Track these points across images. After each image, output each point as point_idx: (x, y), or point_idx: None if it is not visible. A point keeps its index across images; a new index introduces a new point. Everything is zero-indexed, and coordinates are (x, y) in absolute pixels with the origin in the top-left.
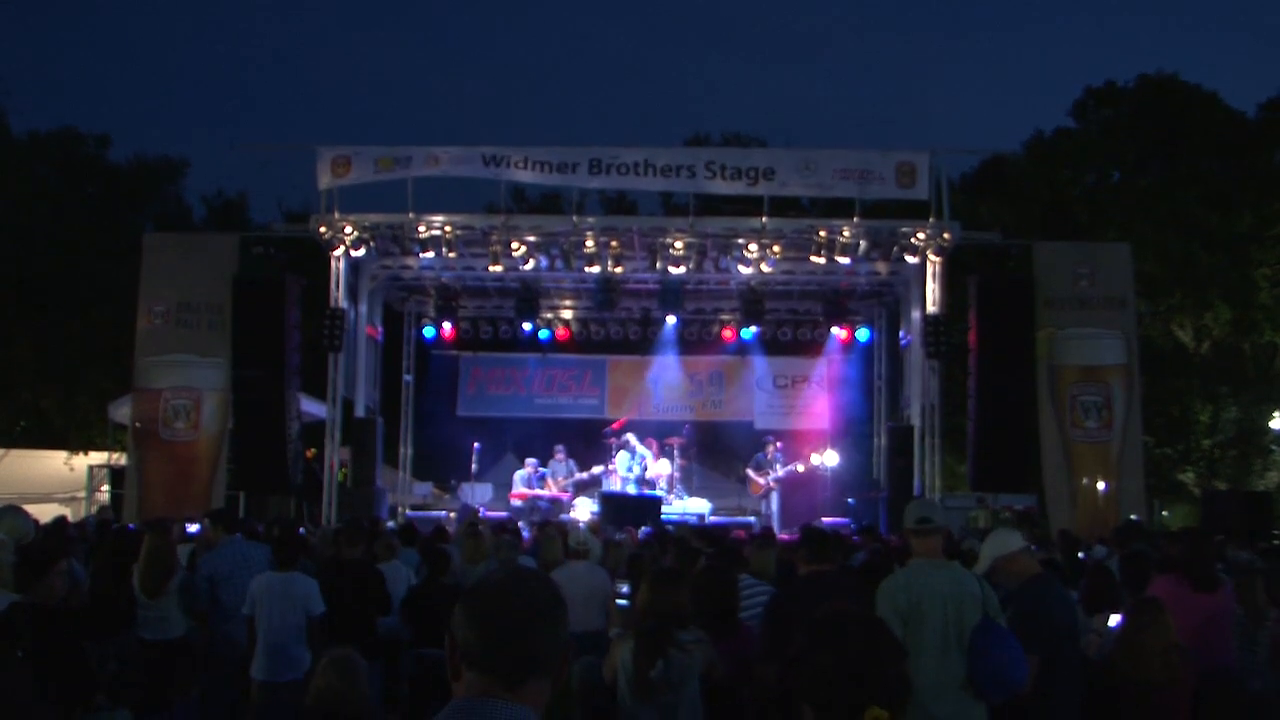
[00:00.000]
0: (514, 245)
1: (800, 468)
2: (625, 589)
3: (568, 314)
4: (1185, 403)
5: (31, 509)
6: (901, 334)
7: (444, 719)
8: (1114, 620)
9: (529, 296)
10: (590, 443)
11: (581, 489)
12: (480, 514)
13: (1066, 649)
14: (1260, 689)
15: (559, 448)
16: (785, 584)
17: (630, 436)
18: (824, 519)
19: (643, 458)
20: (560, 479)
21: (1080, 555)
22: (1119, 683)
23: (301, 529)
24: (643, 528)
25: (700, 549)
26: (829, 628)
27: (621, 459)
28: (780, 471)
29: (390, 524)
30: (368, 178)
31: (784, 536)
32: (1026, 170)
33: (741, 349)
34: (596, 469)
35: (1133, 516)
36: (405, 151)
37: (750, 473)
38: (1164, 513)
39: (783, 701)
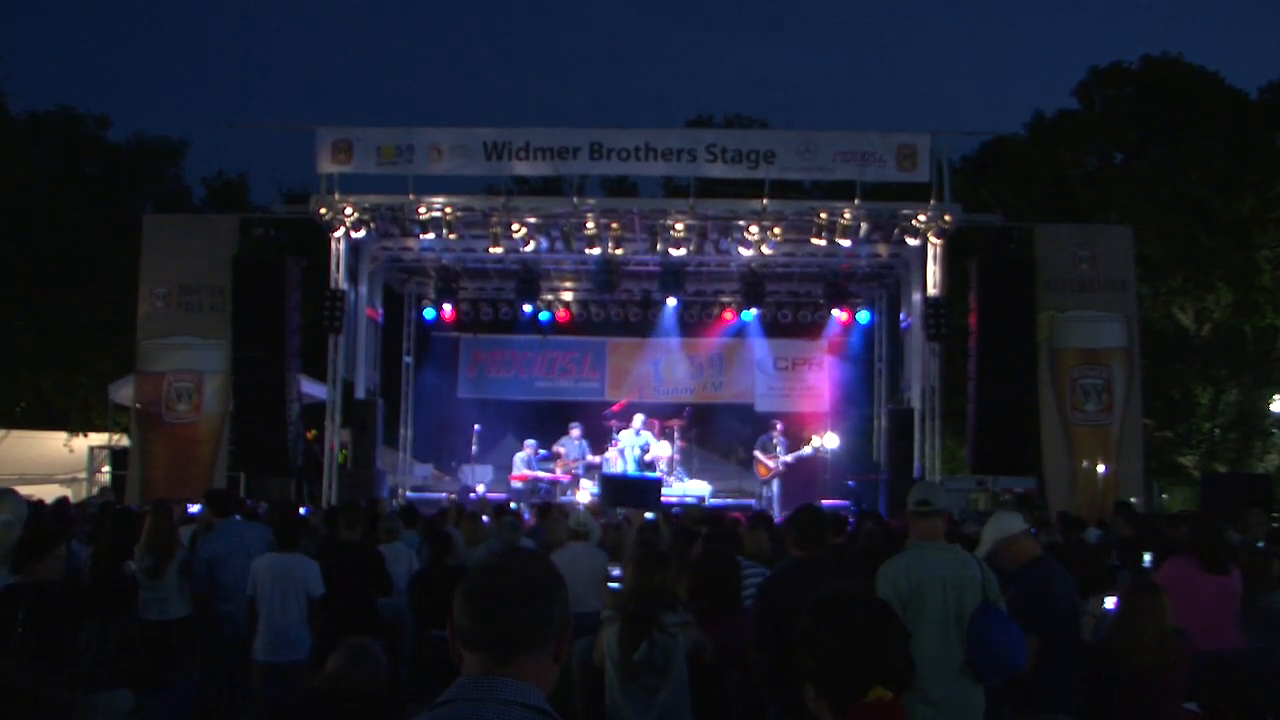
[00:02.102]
0: (514, 227)
1: (806, 449)
2: (616, 571)
3: (568, 296)
4: (1186, 386)
5: (32, 490)
6: (902, 316)
7: (448, 697)
8: (1109, 603)
9: (529, 278)
10: (590, 425)
11: (589, 470)
12: (474, 496)
13: (1066, 631)
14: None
15: (574, 425)
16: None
17: (638, 418)
18: (823, 501)
19: (646, 442)
20: (572, 459)
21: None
22: (1114, 666)
23: (304, 508)
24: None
25: (697, 531)
26: (833, 608)
27: (626, 436)
28: (788, 456)
29: (394, 504)
30: (369, 169)
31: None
32: (1028, 152)
33: (742, 331)
34: (610, 453)
35: (1131, 499)
36: (406, 137)
37: (758, 454)
38: (1164, 496)
39: (775, 686)
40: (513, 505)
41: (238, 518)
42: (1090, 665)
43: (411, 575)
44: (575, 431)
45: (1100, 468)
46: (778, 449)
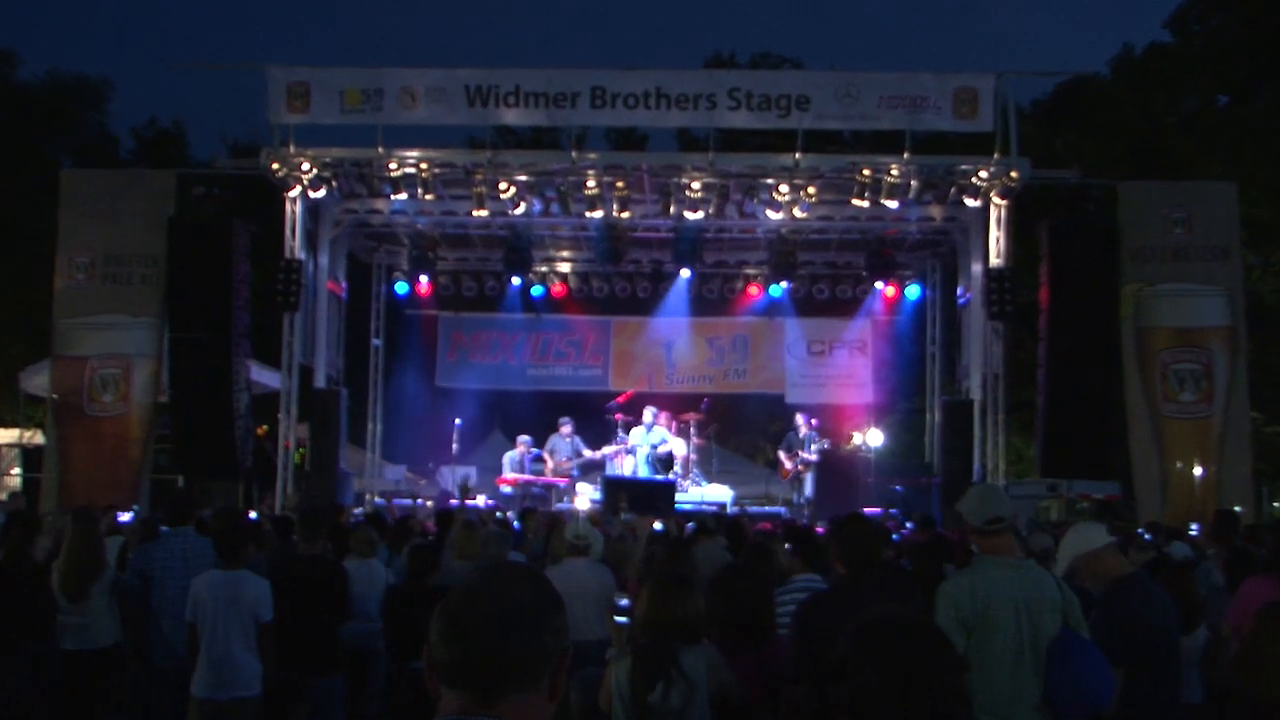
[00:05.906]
0: (502, 186)
1: (843, 446)
2: (625, 602)
3: (565, 267)
4: None
5: None
6: (959, 291)
7: None
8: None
9: (519, 247)
10: (591, 419)
11: (587, 472)
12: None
13: (1161, 662)
14: None
15: (564, 420)
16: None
17: (649, 411)
18: (865, 509)
19: (662, 437)
20: (563, 459)
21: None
22: (1235, 700)
23: (254, 514)
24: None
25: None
26: (876, 635)
27: (636, 435)
28: (813, 454)
29: (358, 511)
30: (331, 118)
31: (819, 529)
32: (1112, 95)
33: (770, 309)
34: (607, 449)
35: (1236, 508)
36: (374, 80)
37: (780, 454)
38: (1275, 503)
39: None
40: (507, 515)
41: (190, 529)
42: (1210, 699)
43: (385, 595)
44: (566, 429)
45: (1197, 470)
46: (808, 446)
